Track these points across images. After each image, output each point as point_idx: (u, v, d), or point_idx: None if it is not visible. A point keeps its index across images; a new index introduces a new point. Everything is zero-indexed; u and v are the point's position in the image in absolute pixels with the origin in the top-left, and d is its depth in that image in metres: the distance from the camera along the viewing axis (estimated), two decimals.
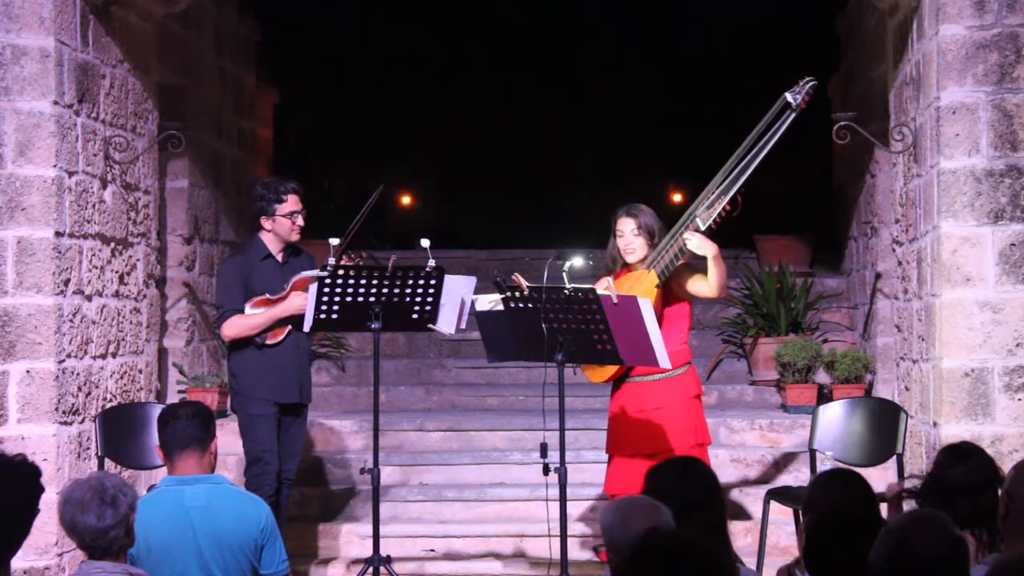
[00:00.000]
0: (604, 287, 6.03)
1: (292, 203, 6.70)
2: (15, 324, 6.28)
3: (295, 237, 6.76)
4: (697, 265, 6.34)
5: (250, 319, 6.60)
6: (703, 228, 6.07)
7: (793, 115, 6.08)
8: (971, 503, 4.30)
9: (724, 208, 6.07)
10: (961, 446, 4.60)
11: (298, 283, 6.57)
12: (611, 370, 6.32)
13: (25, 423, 6.28)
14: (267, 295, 6.62)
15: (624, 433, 6.34)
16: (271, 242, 6.75)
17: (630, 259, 6.36)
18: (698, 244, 6.10)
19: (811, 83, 6.15)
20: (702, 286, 6.29)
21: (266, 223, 6.73)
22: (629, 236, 6.35)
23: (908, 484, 4.93)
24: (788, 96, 6.09)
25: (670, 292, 6.31)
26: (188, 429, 4.75)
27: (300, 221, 6.73)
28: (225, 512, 4.71)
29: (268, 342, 6.62)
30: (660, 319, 6.14)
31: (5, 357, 6.27)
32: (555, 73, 14.47)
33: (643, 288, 6.17)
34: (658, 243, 6.29)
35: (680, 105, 14.02)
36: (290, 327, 6.63)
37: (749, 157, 6.07)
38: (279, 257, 6.75)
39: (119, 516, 4.03)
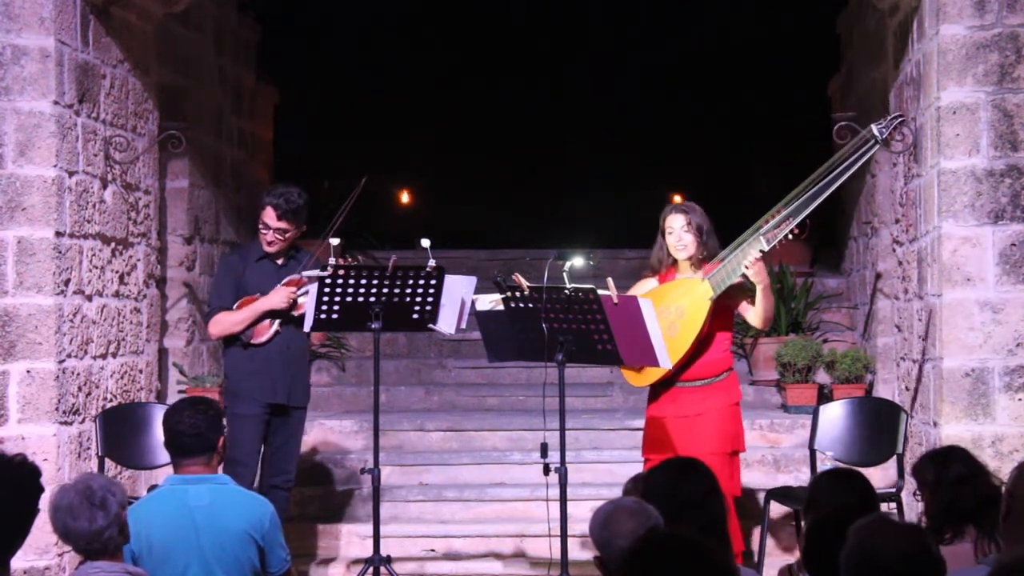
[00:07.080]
0: (647, 286, 6.11)
1: (266, 215, 6.57)
2: (15, 324, 6.28)
3: (267, 249, 6.63)
4: (748, 285, 6.20)
5: (232, 315, 6.55)
6: (767, 248, 6.00)
7: (877, 147, 6.12)
8: (969, 495, 4.33)
9: (792, 231, 6.04)
10: (939, 451, 4.70)
11: (291, 283, 6.54)
12: (655, 374, 6.23)
13: (25, 423, 6.27)
14: (258, 295, 6.55)
15: (662, 437, 6.27)
16: None
17: (680, 255, 6.27)
18: (755, 273, 6.05)
19: (899, 119, 6.27)
20: (750, 314, 6.24)
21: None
22: (679, 232, 6.26)
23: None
24: (874, 128, 6.17)
25: (720, 305, 6.23)
26: (196, 427, 4.74)
27: (269, 237, 6.58)
28: (228, 512, 4.70)
29: (253, 341, 6.54)
30: (712, 331, 6.17)
31: (5, 357, 6.27)
32: (556, 73, 14.47)
33: (695, 298, 6.14)
34: (707, 241, 6.24)
35: (680, 105, 14.02)
36: (277, 327, 6.57)
37: (825, 182, 6.04)
38: (278, 259, 6.66)
39: (111, 517, 4.00)
